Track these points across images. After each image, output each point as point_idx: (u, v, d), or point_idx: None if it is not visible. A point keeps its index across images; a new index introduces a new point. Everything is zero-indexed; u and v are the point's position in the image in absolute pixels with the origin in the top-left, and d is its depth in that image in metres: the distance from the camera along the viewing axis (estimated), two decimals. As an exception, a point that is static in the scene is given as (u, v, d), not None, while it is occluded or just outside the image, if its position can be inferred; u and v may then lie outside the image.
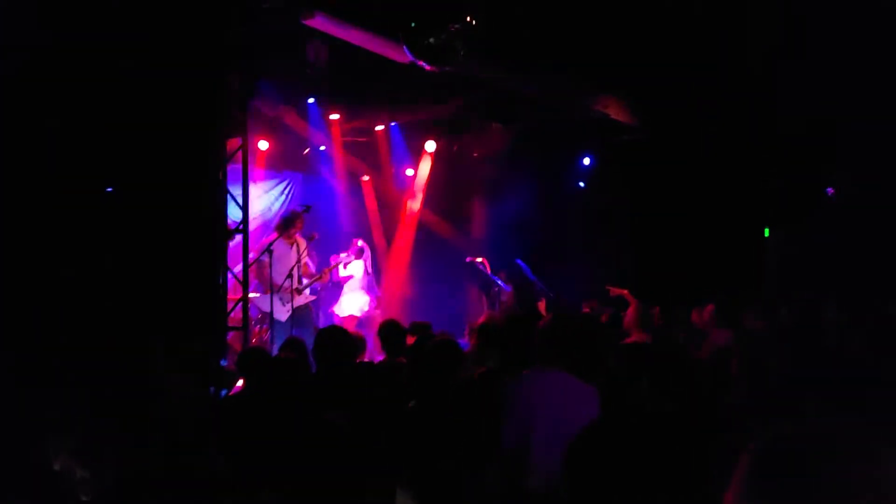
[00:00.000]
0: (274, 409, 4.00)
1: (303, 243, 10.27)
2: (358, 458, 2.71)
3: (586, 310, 9.71)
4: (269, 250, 9.31)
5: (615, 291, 9.65)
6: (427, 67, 7.60)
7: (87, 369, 1.91)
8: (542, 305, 10.33)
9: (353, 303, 11.59)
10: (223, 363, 8.06)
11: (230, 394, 7.32)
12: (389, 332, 5.82)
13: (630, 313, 8.09)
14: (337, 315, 11.51)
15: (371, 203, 14.30)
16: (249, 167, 8.51)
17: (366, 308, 11.58)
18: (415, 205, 14.18)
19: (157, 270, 6.48)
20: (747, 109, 11.08)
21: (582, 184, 14.04)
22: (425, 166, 13.89)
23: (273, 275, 9.37)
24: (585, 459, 2.16)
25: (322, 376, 4.20)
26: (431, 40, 7.09)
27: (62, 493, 2.03)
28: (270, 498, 2.77)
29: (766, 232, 12.56)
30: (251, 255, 8.75)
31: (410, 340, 5.86)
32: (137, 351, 1.88)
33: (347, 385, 4.07)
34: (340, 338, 4.36)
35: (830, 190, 11.72)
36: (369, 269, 11.76)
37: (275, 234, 9.92)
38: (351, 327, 10.74)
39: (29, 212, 5.48)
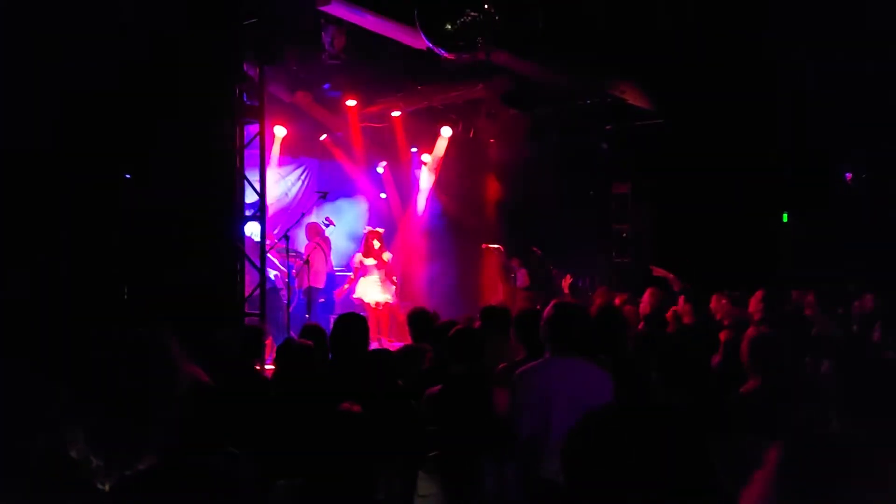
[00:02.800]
0: (290, 398, 4.03)
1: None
2: (372, 445, 2.73)
3: (599, 296, 9.60)
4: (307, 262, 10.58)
5: (659, 272, 9.55)
6: (444, 55, 7.57)
7: (100, 356, 1.92)
8: (565, 283, 10.22)
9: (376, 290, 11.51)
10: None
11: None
12: (417, 317, 5.88)
13: (646, 299, 8.07)
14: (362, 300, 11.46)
15: (388, 189, 14.32)
16: (267, 153, 8.53)
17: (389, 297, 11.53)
18: (429, 190, 14.18)
19: (174, 256, 6.51)
20: (765, 94, 10.98)
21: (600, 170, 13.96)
22: (441, 152, 13.87)
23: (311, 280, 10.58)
24: (581, 448, 2.17)
25: (338, 363, 4.23)
26: (448, 27, 7.05)
27: (80, 481, 2.05)
28: (286, 486, 2.80)
29: (785, 217, 12.46)
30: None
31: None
32: (152, 337, 1.90)
33: (364, 372, 4.09)
34: (357, 324, 4.37)
35: (848, 175, 11.61)
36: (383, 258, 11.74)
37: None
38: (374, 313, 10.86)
39: (46, 196, 5.51)
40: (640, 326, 6.66)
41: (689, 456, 2.14)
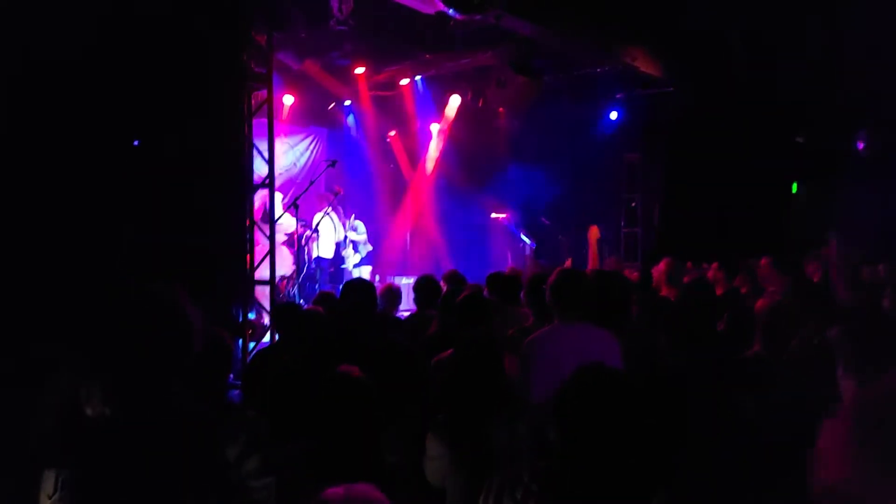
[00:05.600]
0: (299, 362, 4.05)
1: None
2: (377, 408, 2.74)
3: (611, 265, 9.61)
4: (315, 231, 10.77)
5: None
6: (455, 16, 7.49)
7: (114, 312, 1.94)
8: (592, 236, 10.23)
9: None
10: (251, 316, 8.17)
11: (259, 347, 7.43)
12: (424, 285, 5.90)
13: (660, 269, 8.05)
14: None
15: (397, 157, 14.30)
16: (275, 122, 8.49)
17: None
18: (437, 159, 14.15)
19: (184, 224, 6.52)
20: (775, 61, 10.85)
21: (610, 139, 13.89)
22: (450, 120, 13.80)
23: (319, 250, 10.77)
24: (570, 406, 2.20)
25: (346, 328, 4.24)
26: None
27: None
28: (297, 448, 2.81)
29: (794, 187, 12.38)
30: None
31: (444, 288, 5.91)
32: (163, 293, 1.91)
33: (371, 336, 4.10)
34: (364, 290, 4.38)
35: (861, 144, 11.50)
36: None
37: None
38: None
39: (56, 162, 5.51)
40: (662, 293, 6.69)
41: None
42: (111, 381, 1.99)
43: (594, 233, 10.28)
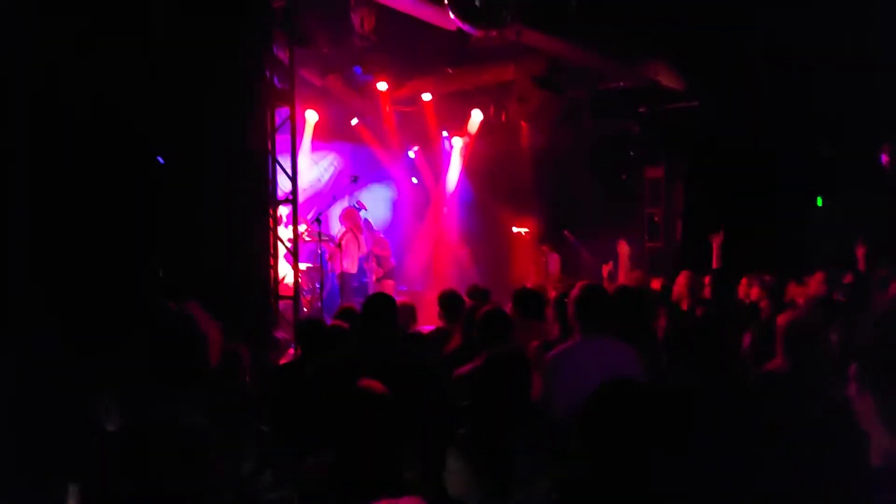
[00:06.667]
0: (319, 377, 4.06)
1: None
2: (397, 423, 2.75)
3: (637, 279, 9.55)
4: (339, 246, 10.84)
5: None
6: (473, 31, 7.53)
7: (135, 329, 1.97)
8: (622, 251, 10.19)
9: None
10: (274, 332, 8.20)
11: (283, 362, 7.45)
12: (448, 299, 5.92)
13: (680, 282, 8.00)
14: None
15: (419, 173, 14.34)
16: (299, 138, 8.55)
17: None
18: (460, 174, 14.18)
19: (206, 239, 6.56)
20: (799, 75, 10.78)
21: (631, 152, 13.84)
22: (472, 135, 13.84)
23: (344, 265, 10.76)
24: (594, 420, 2.21)
25: (367, 343, 4.25)
26: (477, 2, 7.01)
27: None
28: (318, 462, 2.82)
29: (819, 201, 12.26)
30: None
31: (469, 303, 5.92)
32: (181, 311, 1.94)
33: (392, 352, 4.11)
34: (386, 305, 4.38)
35: (885, 157, 11.36)
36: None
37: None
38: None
39: (83, 180, 5.58)
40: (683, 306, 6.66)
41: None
42: (125, 397, 2.01)
43: (624, 248, 10.24)
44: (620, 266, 9.96)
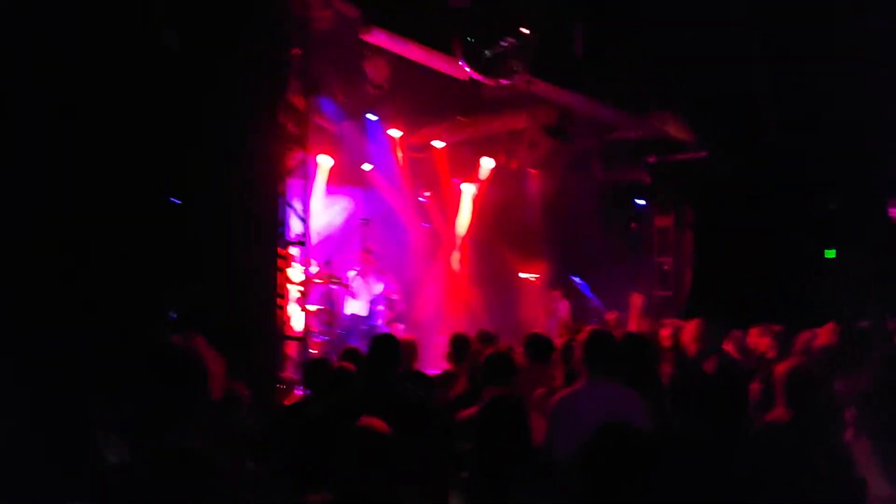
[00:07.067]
0: (324, 417, 4.08)
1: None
2: (398, 463, 2.77)
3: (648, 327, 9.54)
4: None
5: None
6: (484, 81, 7.67)
7: (139, 365, 2.02)
8: (635, 304, 10.22)
9: None
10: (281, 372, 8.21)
11: (288, 402, 7.45)
12: (456, 343, 6.01)
13: (689, 330, 7.98)
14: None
15: (430, 218, 14.42)
16: (312, 183, 8.65)
17: None
18: (470, 220, 14.26)
19: (217, 279, 6.62)
20: (807, 127, 10.87)
21: (642, 202, 13.91)
22: (482, 182, 13.95)
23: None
24: (593, 462, 2.23)
25: (373, 384, 4.27)
26: (487, 53, 7.16)
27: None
28: (321, 501, 2.83)
29: (827, 253, 12.24)
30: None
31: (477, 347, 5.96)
32: (184, 348, 1.99)
33: (396, 393, 4.13)
34: (390, 346, 4.41)
35: (893, 210, 11.39)
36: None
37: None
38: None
39: (93, 220, 5.65)
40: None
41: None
42: (125, 428, 2.06)
43: (637, 299, 10.26)
44: (632, 316, 9.97)
